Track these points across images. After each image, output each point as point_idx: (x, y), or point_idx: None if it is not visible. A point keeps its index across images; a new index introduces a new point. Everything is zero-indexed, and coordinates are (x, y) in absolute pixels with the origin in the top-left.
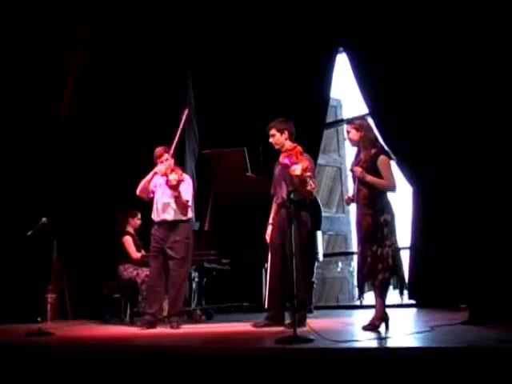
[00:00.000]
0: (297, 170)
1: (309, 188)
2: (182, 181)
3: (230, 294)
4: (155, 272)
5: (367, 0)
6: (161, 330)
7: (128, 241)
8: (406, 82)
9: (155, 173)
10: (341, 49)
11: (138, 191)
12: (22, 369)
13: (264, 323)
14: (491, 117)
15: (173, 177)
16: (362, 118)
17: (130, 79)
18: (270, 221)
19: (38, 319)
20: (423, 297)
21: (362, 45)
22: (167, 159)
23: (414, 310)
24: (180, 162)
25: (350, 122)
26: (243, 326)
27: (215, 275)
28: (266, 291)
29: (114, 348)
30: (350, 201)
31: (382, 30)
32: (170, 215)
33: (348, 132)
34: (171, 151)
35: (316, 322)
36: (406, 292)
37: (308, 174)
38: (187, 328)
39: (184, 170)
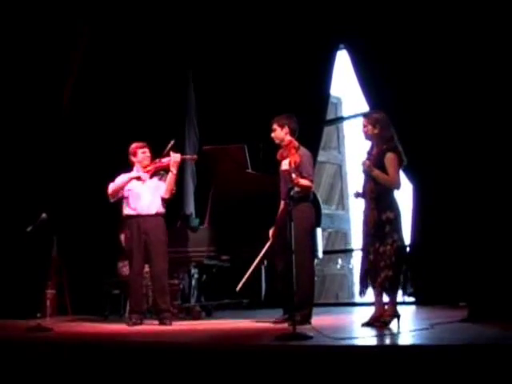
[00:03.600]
0: (284, 164)
1: (295, 182)
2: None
3: (229, 291)
4: (138, 267)
5: None
6: (159, 326)
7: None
8: (407, 79)
9: (132, 178)
10: (341, 45)
11: (110, 192)
12: (21, 364)
13: (283, 319)
14: (492, 114)
15: (174, 155)
16: (381, 112)
17: (131, 78)
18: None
19: (38, 315)
20: (422, 294)
21: (363, 41)
22: (146, 152)
23: (413, 307)
24: None
25: (367, 115)
26: (242, 323)
27: (215, 272)
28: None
29: (113, 344)
30: (358, 195)
31: (382, 27)
32: (151, 209)
33: (364, 126)
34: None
35: (315, 319)
36: (411, 290)
37: (292, 167)
38: (186, 324)
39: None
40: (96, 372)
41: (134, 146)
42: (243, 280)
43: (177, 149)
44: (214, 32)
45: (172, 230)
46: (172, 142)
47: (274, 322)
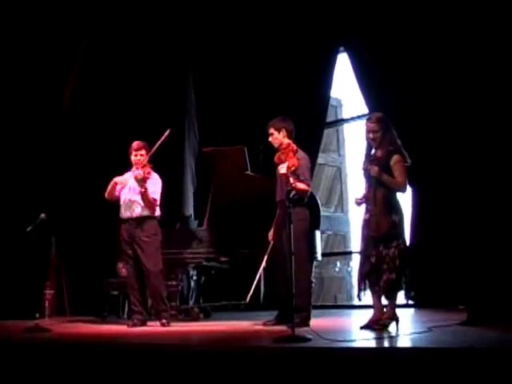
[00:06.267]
0: (282, 168)
1: (292, 185)
2: (148, 178)
3: (228, 293)
4: (132, 270)
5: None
6: (158, 327)
7: None
8: (407, 82)
9: (115, 183)
10: (341, 48)
11: (106, 194)
12: (19, 365)
13: (274, 322)
14: (491, 117)
15: (138, 172)
16: (382, 114)
17: (131, 77)
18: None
19: (36, 315)
20: (421, 297)
21: (363, 44)
22: (142, 155)
23: (411, 310)
24: (179, 159)
25: (369, 118)
26: (241, 325)
27: (213, 273)
28: (257, 287)
29: (111, 345)
30: (360, 202)
31: (382, 30)
32: (135, 212)
33: (369, 129)
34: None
35: (314, 322)
36: (413, 293)
37: (291, 171)
38: (185, 326)
39: (155, 170)
40: (94, 373)
41: (131, 146)
42: (251, 291)
43: (176, 150)
44: (215, 34)
45: (171, 231)
46: (168, 131)
47: (264, 324)
